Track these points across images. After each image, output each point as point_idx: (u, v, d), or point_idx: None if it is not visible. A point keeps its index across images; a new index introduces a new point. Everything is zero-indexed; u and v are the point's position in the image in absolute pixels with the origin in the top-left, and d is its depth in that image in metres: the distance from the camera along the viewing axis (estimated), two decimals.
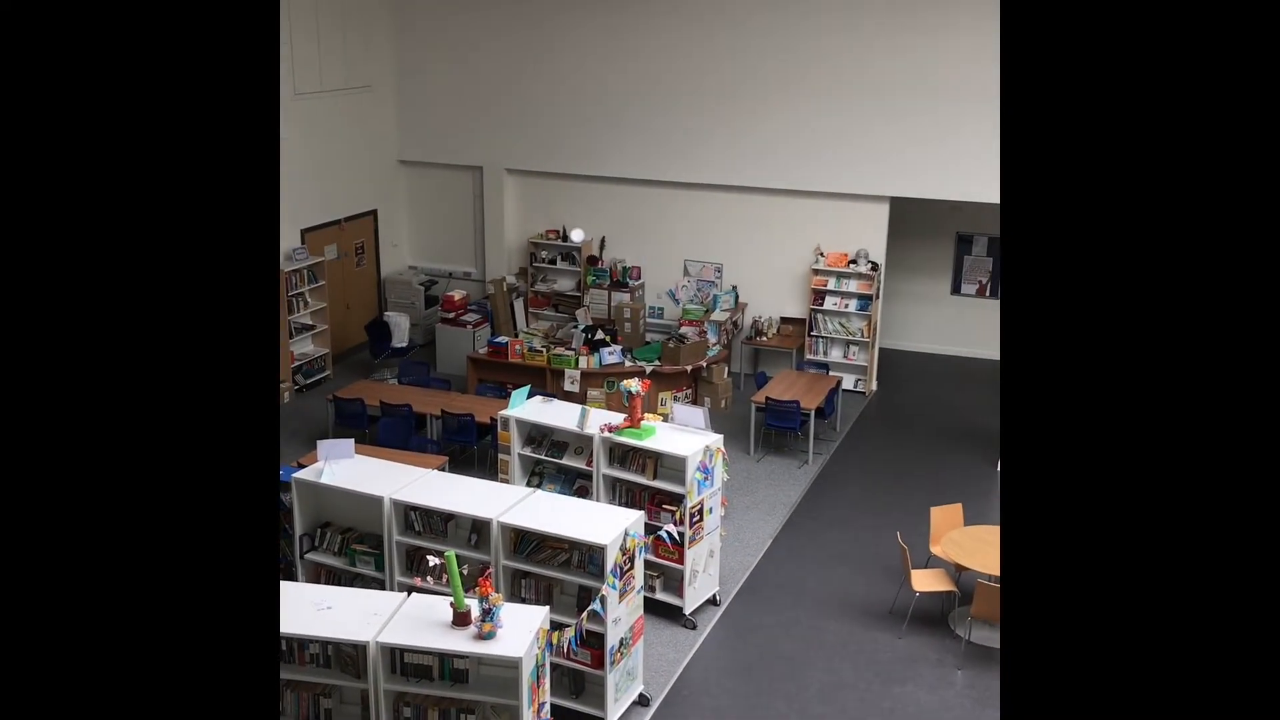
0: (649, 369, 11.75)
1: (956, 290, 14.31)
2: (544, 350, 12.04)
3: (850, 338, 12.98)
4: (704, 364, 12.15)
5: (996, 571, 7.62)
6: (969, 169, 12.01)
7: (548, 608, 6.08)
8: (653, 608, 7.92)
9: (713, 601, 8.34)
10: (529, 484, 8.60)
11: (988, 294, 14.16)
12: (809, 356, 13.05)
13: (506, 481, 8.53)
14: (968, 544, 8.03)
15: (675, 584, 8.04)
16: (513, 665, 5.61)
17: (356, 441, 8.04)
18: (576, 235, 13.94)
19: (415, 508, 7.23)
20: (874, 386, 13.19)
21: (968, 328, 14.32)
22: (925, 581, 8.00)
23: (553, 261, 14.21)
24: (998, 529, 8.28)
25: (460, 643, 5.65)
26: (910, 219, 13.80)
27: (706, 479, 8.00)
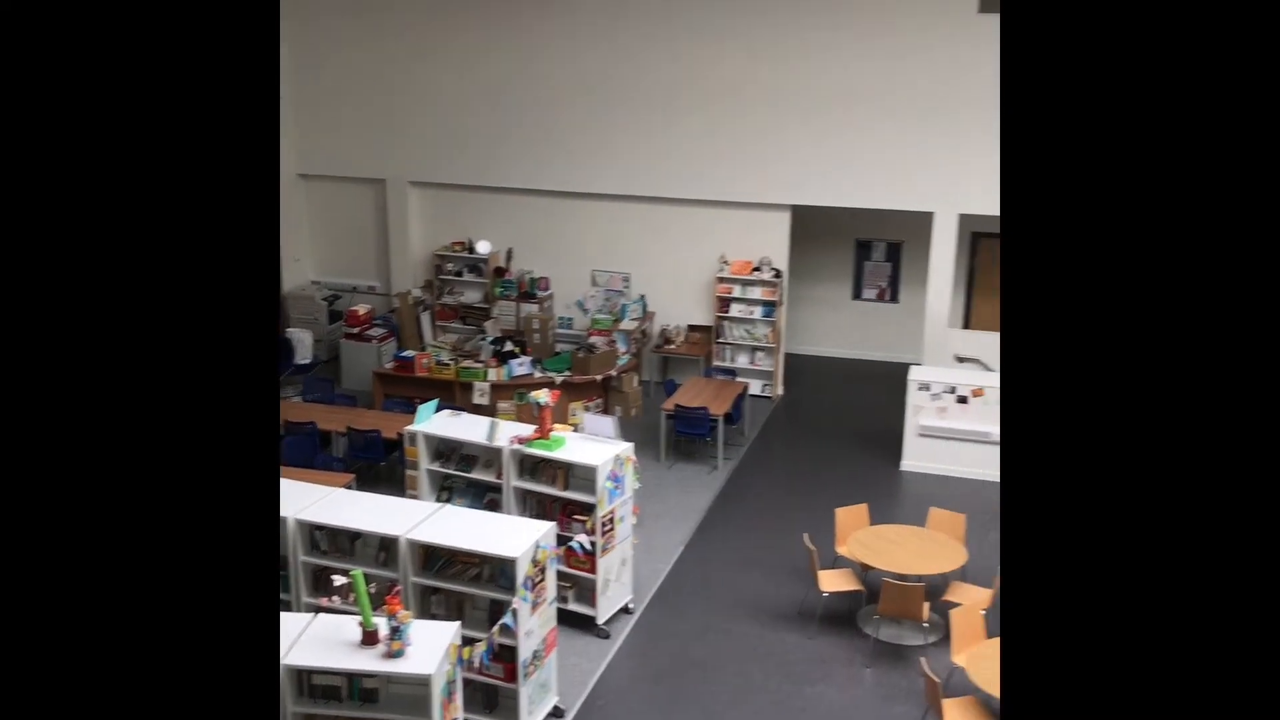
0: (559, 380, 11.76)
1: (858, 295, 14.64)
2: (452, 363, 11.95)
3: (756, 344, 13.17)
4: (614, 373, 12.20)
5: (901, 570, 7.81)
6: (867, 177, 12.30)
7: (458, 623, 6.05)
8: (566, 618, 7.92)
9: (625, 610, 8.38)
10: (438, 499, 8.53)
11: (887, 298, 14.51)
12: (716, 363, 13.20)
13: (415, 497, 8.45)
14: (873, 543, 8.21)
15: (588, 594, 8.06)
16: (423, 683, 5.56)
17: None
18: (483, 247, 13.89)
19: (320, 527, 7.12)
20: (780, 391, 13.40)
21: (869, 332, 14.66)
22: (833, 582, 8.16)
23: (459, 274, 14.12)
24: (902, 528, 8.49)
25: (369, 662, 5.59)
26: (811, 226, 14.08)
27: (617, 488, 8.04)
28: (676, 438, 11.37)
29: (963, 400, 10.83)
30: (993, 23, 11.51)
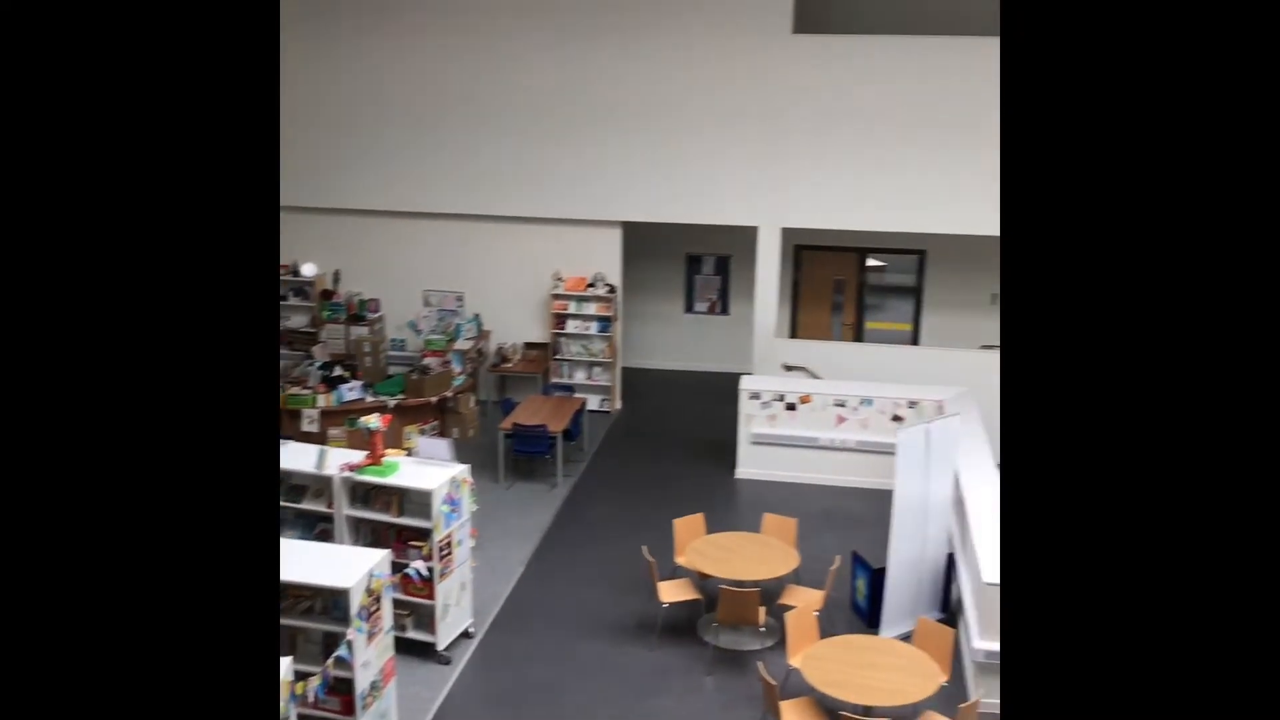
0: (392, 403, 11.54)
1: (690, 309, 14.94)
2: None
3: (593, 359, 13.26)
4: (449, 394, 12.05)
5: (737, 576, 8.00)
6: (694, 193, 12.57)
7: (290, 658, 5.86)
8: (406, 647, 7.77)
9: (466, 634, 8.28)
10: None
11: (718, 311, 14.86)
12: (554, 380, 13.22)
13: None
14: (710, 552, 8.37)
15: (427, 620, 7.93)
16: None
17: None
18: (308, 269, 13.51)
19: None
20: (618, 405, 13.52)
21: (701, 344, 14.98)
22: (672, 592, 8.28)
23: (283, 298, 13.68)
24: (737, 535, 8.69)
25: None
26: (643, 242, 14.30)
27: (454, 511, 7.95)
28: (515, 457, 11.33)
29: (791, 407, 11.18)
30: (808, 43, 11.97)
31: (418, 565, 7.67)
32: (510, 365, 13.21)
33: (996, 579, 7.14)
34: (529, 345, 13.44)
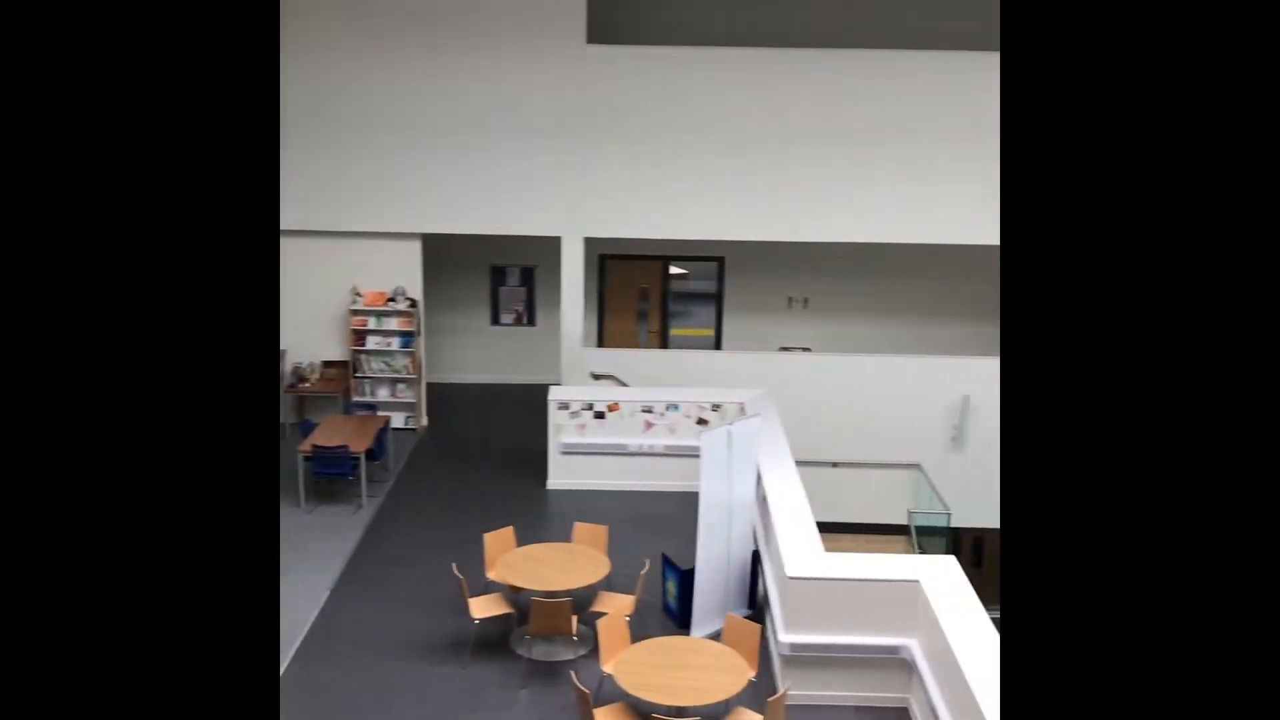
0: None
1: (496, 321, 14.82)
2: None
3: (396, 375, 12.96)
4: None
5: (548, 587, 7.96)
6: (495, 203, 12.49)
7: None
8: None
9: None
10: None
11: (525, 322, 14.81)
12: (356, 398, 12.84)
13: None
14: (520, 565, 8.30)
15: None
16: None
17: None
18: None
19: None
20: (424, 422, 13.26)
21: (508, 356, 14.89)
22: (483, 608, 8.16)
23: None
24: (548, 546, 8.66)
25: None
26: (445, 254, 14.08)
27: None
28: (316, 479, 10.92)
29: (600, 416, 11.25)
30: (600, 53, 12.09)
31: None
32: (308, 385, 12.75)
33: (798, 572, 7.38)
34: (327, 364, 13.01)
